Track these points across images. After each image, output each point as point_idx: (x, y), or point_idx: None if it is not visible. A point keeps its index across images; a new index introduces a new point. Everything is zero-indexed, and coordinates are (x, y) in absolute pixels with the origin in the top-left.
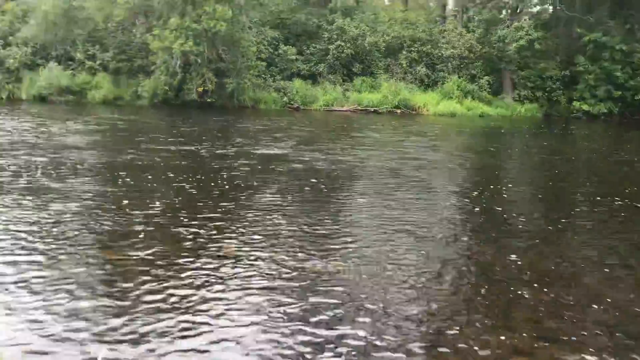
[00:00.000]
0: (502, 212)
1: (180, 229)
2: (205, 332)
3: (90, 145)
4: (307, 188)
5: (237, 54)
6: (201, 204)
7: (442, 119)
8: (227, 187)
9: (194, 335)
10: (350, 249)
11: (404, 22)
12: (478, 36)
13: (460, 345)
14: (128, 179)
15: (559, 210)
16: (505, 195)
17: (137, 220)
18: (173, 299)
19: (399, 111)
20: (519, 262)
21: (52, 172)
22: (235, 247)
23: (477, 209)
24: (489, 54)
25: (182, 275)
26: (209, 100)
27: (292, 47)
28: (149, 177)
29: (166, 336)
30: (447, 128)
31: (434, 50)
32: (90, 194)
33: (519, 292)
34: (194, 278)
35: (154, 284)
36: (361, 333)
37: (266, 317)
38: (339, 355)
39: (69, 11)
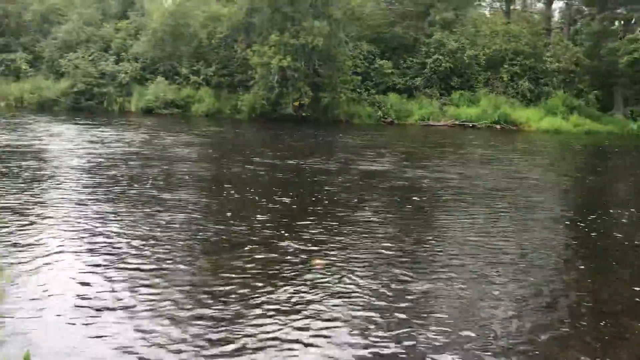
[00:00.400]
0: (616, 239)
1: (279, 243)
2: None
3: (199, 157)
4: (408, 206)
5: (333, 69)
6: (301, 219)
7: (545, 135)
8: (327, 202)
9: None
10: (451, 272)
11: (506, 35)
12: (586, 49)
13: None
14: (233, 192)
15: None
16: (620, 221)
17: (240, 231)
18: (270, 311)
19: (498, 127)
20: (630, 294)
21: (162, 182)
22: (325, 261)
23: (590, 234)
24: (598, 68)
25: (281, 287)
26: (304, 114)
27: (388, 61)
28: (252, 190)
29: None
30: (554, 145)
31: (538, 63)
32: (197, 205)
33: (627, 327)
34: (291, 292)
35: (254, 294)
36: (445, 345)
37: (361, 335)
38: None
39: (176, 28)
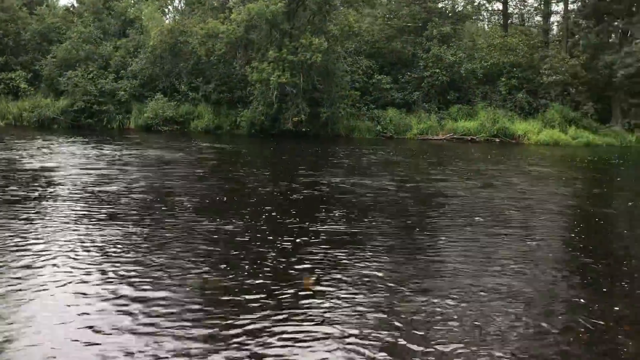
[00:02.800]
0: (623, 262)
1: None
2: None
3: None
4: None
5: (331, 84)
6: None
7: (545, 148)
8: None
9: None
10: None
11: (504, 48)
12: (583, 62)
13: None
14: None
15: None
16: (610, 234)
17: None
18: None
19: (497, 140)
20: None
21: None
22: (315, 280)
23: (597, 260)
24: (595, 80)
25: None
26: (303, 129)
27: (387, 76)
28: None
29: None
30: (555, 160)
31: (536, 76)
32: (218, 232)
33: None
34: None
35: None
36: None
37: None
38: None
39: (175, 46)
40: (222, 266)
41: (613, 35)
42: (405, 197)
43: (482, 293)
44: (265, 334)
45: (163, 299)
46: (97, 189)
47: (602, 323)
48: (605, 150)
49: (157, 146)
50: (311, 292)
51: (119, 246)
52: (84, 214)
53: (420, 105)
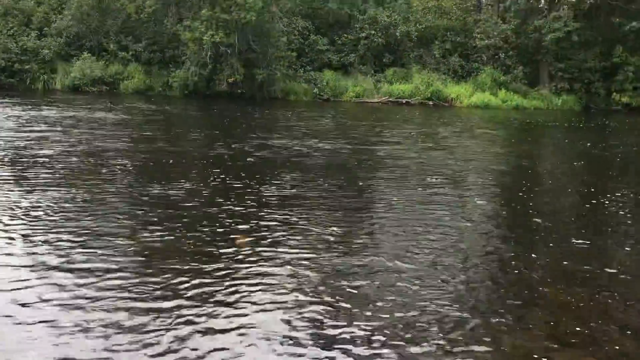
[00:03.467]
0: (534, 211)
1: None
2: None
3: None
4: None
5: (267, 45)
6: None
7: (475, 111)
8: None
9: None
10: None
11: (438, 11)
12: (514, 26)
13: (473, 348)
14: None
15: (594, 207)
16: (538, 194)
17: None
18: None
19: (431, 103)
20: (541, 262)
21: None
22: (248, 239)
23: (511, 207)
24: (525, 44)
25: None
26: (239, 91)
27: (323, 38)
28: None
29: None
30: (481, 122)
31: (469, 40)
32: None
33: (542, 294)
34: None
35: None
36: (373, 327)
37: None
38: (350, 347)
39: (102, 2)
40: (163, 230)
41: (542, 1)
42: (358, 159)
43: (425, 250)
44: (200, 299)
45: (95, 267)
46: (31, 152)
47: (528, 274)
48: (535, 113)
49: (89, 107)
50: (252, 254)
51: (52, 213)
52: (16, 179)
53: (356, 67)
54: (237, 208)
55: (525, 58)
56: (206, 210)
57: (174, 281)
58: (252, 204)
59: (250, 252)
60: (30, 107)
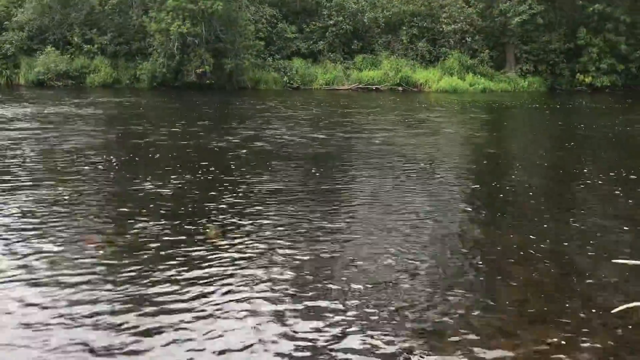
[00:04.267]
0: (502, 192)
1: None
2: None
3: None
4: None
5: (235, 34)
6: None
7: (444, 95)
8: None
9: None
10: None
11: None
12: (479, 10)
13: (444, 325)
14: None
15: (563, 186)
16: (509, 173)
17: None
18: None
19: (400, 89)
20: (511, 241)
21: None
22: (219, 230)
23: (481, 187)
24: (491, 28)
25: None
26: (207, 81)
27: (292, 25)
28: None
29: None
30: (450, 106)
31: (435, 25)
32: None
33: (509, 271)
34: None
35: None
36: (348, 307)
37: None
38: (329, 327)
39: None
40: (145, 223)
41: None
42: (350, 148)
43: (398, 235)
44: (175, 286)
45: (70, 261)
46: (6, 152)
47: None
48: (502, 95)
49: (57, 103)
50: (234, 246)
51: (32, 210)
52: None
53: (325, 55)
54: (223, 199)
55: (492, 41)
56: (188, 201)
57: (151, 272)
58: (229, 195)
59: (225, 243)
60: (9, 103)
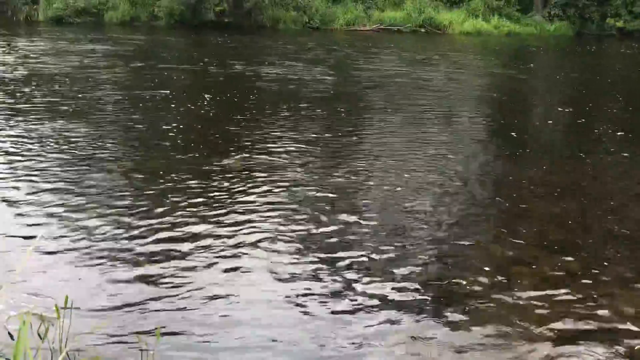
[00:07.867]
0: (525, 130)
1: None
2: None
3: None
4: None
5: None
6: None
7: (468, 38)
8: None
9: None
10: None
11: None
12: None
13: (464, 256)
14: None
15: (584, 133)
16: (530, 116)
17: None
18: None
19: (423, 30)
20: (532, 177)
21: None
22: (241, 162)
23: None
24: None
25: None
26: (226, 20)
27: None
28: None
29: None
30: (475, 49)
31: None
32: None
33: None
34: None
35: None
36: (365, 249)
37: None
38: (344, 271)
39: None
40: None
41: None
42: (397, 85)
43: (417, 172)
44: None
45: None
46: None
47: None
48: (522, 39)
49: (89, 39)
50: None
51: (51, 141)
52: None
53: None
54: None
55: None
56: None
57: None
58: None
59: (243, 182)
60: (19, 39)
